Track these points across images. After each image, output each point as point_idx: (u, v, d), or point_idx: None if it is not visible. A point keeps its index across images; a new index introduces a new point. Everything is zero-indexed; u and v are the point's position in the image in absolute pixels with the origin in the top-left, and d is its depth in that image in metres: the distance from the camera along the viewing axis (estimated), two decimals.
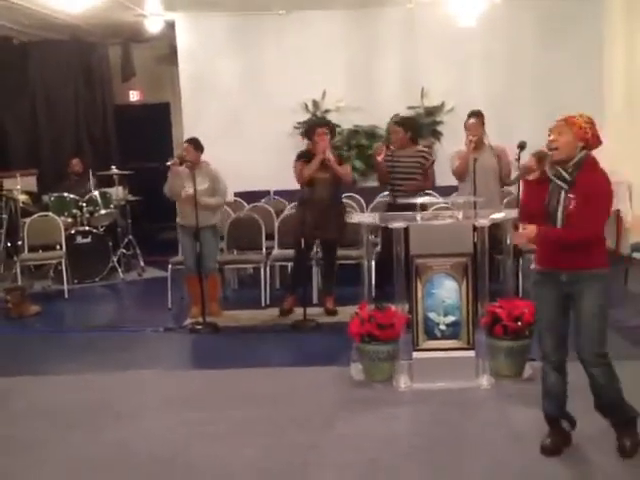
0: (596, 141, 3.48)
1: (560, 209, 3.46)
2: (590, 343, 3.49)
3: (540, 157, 3.49)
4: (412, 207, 5.17)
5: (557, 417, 3.71)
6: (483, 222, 4.75)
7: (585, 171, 3.43)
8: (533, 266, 3.74)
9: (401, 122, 6.86)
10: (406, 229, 4.69)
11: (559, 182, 3.47)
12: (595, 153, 3.57)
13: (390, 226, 4.77)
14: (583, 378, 3.59)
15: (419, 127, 7.55)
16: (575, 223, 3.41)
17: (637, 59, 8.44)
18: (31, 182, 9.67)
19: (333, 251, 6.63)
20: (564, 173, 3.45)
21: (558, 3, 9.15)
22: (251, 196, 8.74)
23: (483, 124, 6.47)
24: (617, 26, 9.01)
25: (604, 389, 3.53)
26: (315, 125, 6.62)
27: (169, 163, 6.46)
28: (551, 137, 3.47)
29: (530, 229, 3.52)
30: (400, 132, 6.67)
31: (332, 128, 6.67)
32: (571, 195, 3.43)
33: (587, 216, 3.38)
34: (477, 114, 6.48)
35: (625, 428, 3.62)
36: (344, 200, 7.86)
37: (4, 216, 8.63)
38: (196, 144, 6.47)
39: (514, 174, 3.63)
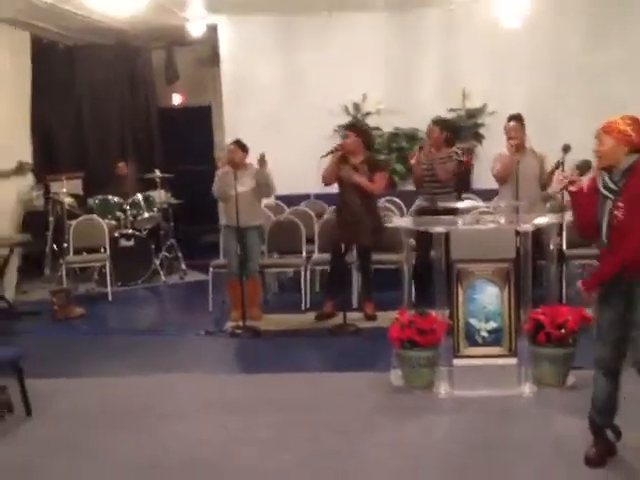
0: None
1: (605, 220, 3.37)
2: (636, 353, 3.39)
3: (581, 169, 3.43)
4: (445, 211, 5.14)
5: (602, 426, 3.63)
6: (526, 227, 4.68)
7: (634, 177, 3.31)
8: None
9: (438, 122, 6.84)
10: (447, 234, 4.65)
11: (604, 192, 3.38)
12: None
13: (431, 231, 4.74)
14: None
15: (456, 129, 7.51)
16: (626, 232, 3.30)
17: None
18: (77, 185, 9.84)
19: (368, 256, 6.57)
20: (609, 182, 3.37)
21: (604, 5, 8.96)
22: (291, 199, 8.76)
23: (523, 127, 6.39)
24: None
25: None
26: (344, 127, 6.50)
27: (220, 165, 6.64)
28: (595, 147, 3.41)
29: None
30: (436, 131, 6.70)
31: (363, 132, 6.54)
32: (620, 204, 3.32)
33: (636, 224, 3.27)
34: (517, 117, 6.41)
35: None
36: (383, 204, 7.91)
37: (51, 219, 8.80)
38: (242, 145, 6.61)
39: (555, 185, 3.58)
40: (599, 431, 3.64)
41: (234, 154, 6.54)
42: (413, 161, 6.72)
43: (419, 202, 6.94)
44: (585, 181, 3.46)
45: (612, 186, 3.36)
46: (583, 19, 9.13)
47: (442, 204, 6.39)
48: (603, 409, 3.60)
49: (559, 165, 5.24)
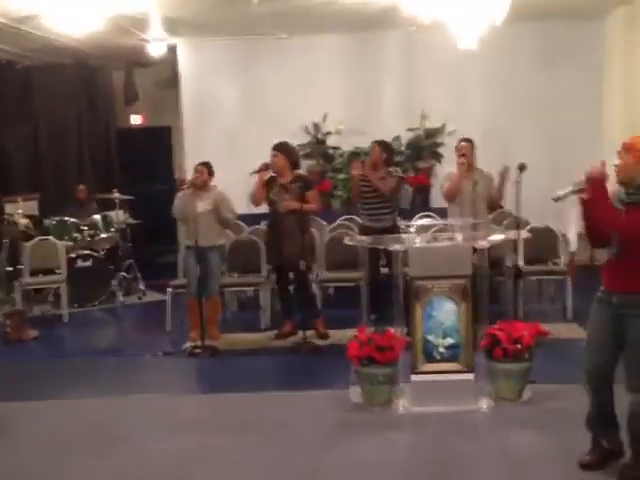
0: None
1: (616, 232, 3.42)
2: (632, 370, 3.43)
3: (591, 181, 3.44)
4: (388, 230, 5.18)
5: (595, 435, 3.67)
6: (483, 244, 4.74)
7: None
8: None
9: (380, 142, 6.94)
10: (404, 251, 4.68)
11: (618, 204, 3.45)
12: None
13: (390, 249, 4.77)
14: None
15: (395, 153, 7.65)
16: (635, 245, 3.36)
17: (636, 83, 8.47)
18: (33, 206, 9.69)
19: (303, 275, 6.51)
20: (622, 195, 3.43)
21: (558, 28, 9.21)
22: (252, 219, 8.72)
23: (474, 148, 6.54)
24: (616, 51, 9.07)
25: (632, 417, 3.45)
26: (272, 148, 6.46)
27: (185, 187, 6.60)
28: (616, 162, 3.46)
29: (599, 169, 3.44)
30: (377, 151, 6.78)
31: (287, 151, 6.46)
32: (630, 216, 3.38)
33: None
34: (468, 140, 6.62)
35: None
36: (341, 222, 7.96)
37: (5, 240, 8.62)
38: (210, 169, 6.65)
39: (565, 191, 3.52)
40: (594, 439, 3.68)
41: (201, 174, 6.56)
42: (355, 173, 6.82)
43: (363, 221, 7.00)
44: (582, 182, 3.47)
45: (625, 198, 3.42)
46: (535, 44, 9.38)
47: (386, 223, 6.49)
48: (592, 417, 3.64)
49: (523, 168, 5.32)
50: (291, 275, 6.58)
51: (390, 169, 6.86)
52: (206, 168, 6.63)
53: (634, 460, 3.53)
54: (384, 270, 6.59)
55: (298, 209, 6.19)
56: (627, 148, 3.41)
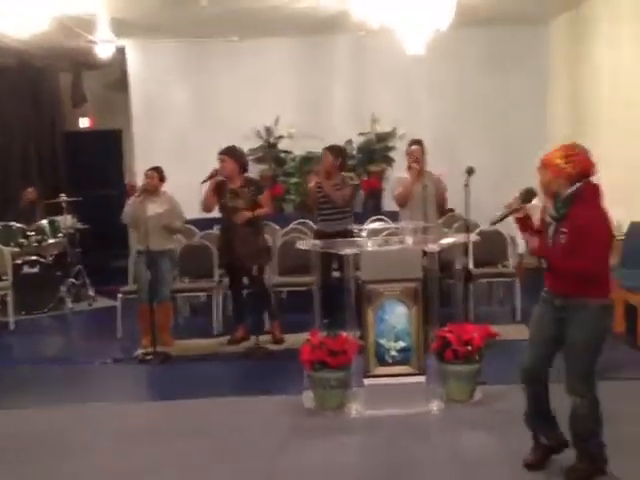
0: (584, 170, 3.43)
1: (551, 244, 3.49)
2: (574, 373, 3.49)
3: (523, 198, 3.52)
4: (341, 234, 5.20)
5: (535, 433, 3.72)
6: (432, 247, 4.79)
7: (576, 205, 3.41)
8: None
9: (331, 148, 6.92)
10: (356, 255, 4.70)
11: (548, 218, 3.51)
12: None
13: (341, 253, 4.79)
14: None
15: (348, 157, 7.67)
16: (568, 258, 3.41)
17: (579, 88, 8.68)
18: None
19: (259, 278, 6.52)
20: (551, 209, 3.49)
21: (504, 33, 9.38)
22: (203, 223, 8.65)
23: (424, 151, 6.57)
24: (560, 56, 9.29)
25: (579, 418, 3.52)
26: (218, 153, 6.41)
27: (137, 195, 6.48)
28: (539, 178, 3.52)
29: (534, 240, 3.53)
30: (330, 158, 6.74)
31: (236, 155, 6.41)
32: (563, 229, 3.43)
33: (577, 250, 3.37)
34: (419, 142, 6.60)
35: (585, 462, 3.57)
36: (294, 226, 7.97)
37: None
38: (161, 174, 6.58)
39: (499, 214, 3.61)
40: (534, 437, 3.73)
41: (151, 179, 6.49)
42: (312, 184, 6.79)
43: (319, 226, 7.00)
44: (528, 207, 3.55)
45: (554, 213, 3.48)
46: (481, 49, 9.55)
47: (341, 227, 6.50)
48: (532, 416, 3.69)
49: (471, 172, 5.42)
50: (245, 279, 6.56)
51: (346, 175, 6.86)
52: (157, 173, 6.57)
53: (579, 460, 3.60)
54: (337, 274, 6.60)
55: (256, 217, 6.21)
56: (545, 165, 3.47)
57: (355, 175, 7.28)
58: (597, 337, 3.48)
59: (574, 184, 3.42)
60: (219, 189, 6.30)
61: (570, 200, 3.42)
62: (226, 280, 7.04)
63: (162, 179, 6.59)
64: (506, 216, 3.55)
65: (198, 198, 7.89)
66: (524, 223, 3.56)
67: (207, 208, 6.42)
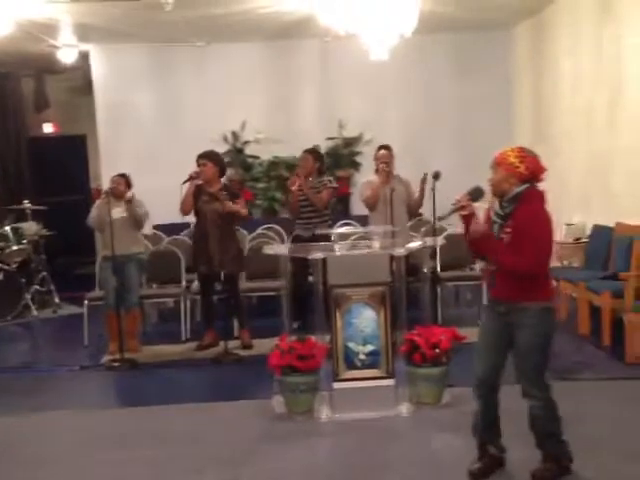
0: (535, 172, 3.49)
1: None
2: (525, 376, 3.53)
3: (472, 195, 3.55)
4: (320, 238, 5.23)
5: (483, 441, 3.74)
6: (400, 251, 4.82)
7: (521, 204, 3.46)
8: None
9: (311, 151, 6.96)
10: (324, 259, 4.72)
11: (494, 217, 3.56)
12: None
13: (308, 257, 4.79)
14: (518, 403, 3.61)
15: (325, 159, 7.71)
16: (509, 254, 3.45)
17: (542, 91, 8.83)
18: None
19: (233, 284, 6.51)
20: (497, 208, 3.54)
21: (469, 38, 9.51)
22: (170, 229, 8.61)
23: (392, 156, 6.64)
24: (524, 60, 9.44)
25: (539, 420, 3.56)
26: (197, 157, 6.41)
27: (103, 197, 6.44)
28: (489, 176, 3.55)
29: (479, 225, 3.53)
30: (309, 160, 6.79)
31: (216, 160, 6.45)
32: (507, 229, 3.48)
33: (519, 248, 3.41)
34: (387, 147, 6.69)
35: (551, 462, 3.62)
36: (262, 231, 7.97)
37: None
38: (127, 180, 6.56)
39: (445, 212, 3.64)
40: (482, 446, 3.74)
41: (118, 185, 6.45)
42: (295, 187, 6.78)
43: (297, 231, 7.00)
44: (476, 206, 3.56)
45: (500, 212, 3.53)
46: (447, 54, 9.68)
47: (318, 231, 6.51)
48: (483, 425, 3.71)
49: (437, 176, 5.50)
50: (217, 285, 6.53)
51: (324, 179, 6.89)
52: (124, 179, 6.54)
53: (543, 460, 3.64)
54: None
55: (235, 212, 6.19)
56: (498, 163, 3.51)
57: (333, 179, 7.31)
58: (542, 339, 3.51)
59: (523, 185, 3.48)
60: (196, 193, 6.26)
61: (516, 199, 3.47)
62: (194, 285, 7.01)
63: (129, 185, 6.56)
64: (453, 212, 3.57)
65: (165, 202, 7.88)
66: (469, 220, 3.57)
67: (186, 211, 6.37)
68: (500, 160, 3.51)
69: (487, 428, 3.71)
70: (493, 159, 3.55)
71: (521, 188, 3.47)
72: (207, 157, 6.36)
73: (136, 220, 6.47)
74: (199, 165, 6.31)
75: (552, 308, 3.58)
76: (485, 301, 3.78)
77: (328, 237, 6.26)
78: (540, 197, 3.53)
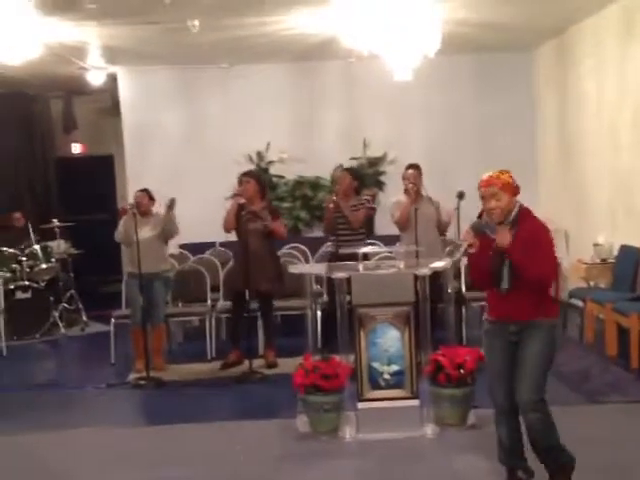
0: (518, 189, 3.58)
1: (506, 267, 3.52)
2: (526, 389, 3.52)
3: (476, 230, 3.56)
4: (354, 257, 5.24)
5: (511, 467, 3.72)
6: (424, 271, 4.83)
7: (522, 222, 3.52)
8: (485, 316, 3.80)
9: (350, 170, 7.01)
10: (349, 279, 4.73)
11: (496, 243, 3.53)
12: (531, 202, 3.73)
13: (332, 276, 4.82)
14: None
15: (363, 178, 7.76)
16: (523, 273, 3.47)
17: (568, 111, 8.81)
18: None
19: (268, 303, 6.57)
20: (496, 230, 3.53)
21: (492, 60, 9.53)
22: (196, 248, 8.70)
23: (421, 175, 6.62)
24: (548, 82, 9.43)
25: (539, 434, 3.55)
26: (241, 175, 6.62)
27: (126, 207, 6.61)
28: (488, 206, 3.53)
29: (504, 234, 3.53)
30: (347, 179, 6.84)
31: (259, 179, 6.63)
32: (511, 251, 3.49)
33: (533, 260, 3.44)
34: (415, 166, 6.65)
35: (559, 473, 3.62)
36: (287, 250, 8.00)
37: None
38: (150, 194, 6.67)
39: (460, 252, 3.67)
40: (510, 471, 3.72)
41: (141, 200, 6.55)
42: (331, 205, 6.79)
43: (328, 248, 7.03)
44: (469, 237, 3.58)
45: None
46: (470, 75, 9.70)
47: (346, 250, 6.51)
48: (509, 450, 3.69)
49: (461, 196, 5.52)
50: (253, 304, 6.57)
51: (362, 199, 6.93)
52: (146, 194, 6.64)
53: (552, 475, 3.61)
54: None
55: (277, 231, 6.34)
56: (503, 187, 3.50)
57: (371, 197, 7.35)
58: (548, 353, 3.57)
59: (515, 206, 3.55)
60: (238, 211, 6.33)
61: (517, 219, 3.53)
62: (220, 304, 7.07)
63: (152, 199, 6.65)
64: (465, 253, 3.62)
65: (191, 222, 7.97)
66: (476, 255, 3.61)
67: (228, 229, 6.49)
68: (504, 184, 3.52)
69: (513, 453, 3.69)
70: (487, 186, 3.52)
71: (517, 208, 3.55)
72: (250, 175, 6.55)
73: (169, 230, 6.55)
74: (242, 183, 6.41)
75: (558, 325, 3.69)
76: (487, 326, 3.73)
77: (365, 256, 6.24)
78: (529, 210, 3.62)
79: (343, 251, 6.49)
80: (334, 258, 6.70)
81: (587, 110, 8.21)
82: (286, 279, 6.46)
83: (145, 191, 6.69)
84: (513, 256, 3.47)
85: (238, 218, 6.32)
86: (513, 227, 3.52)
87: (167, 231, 6.57)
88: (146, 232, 6.43)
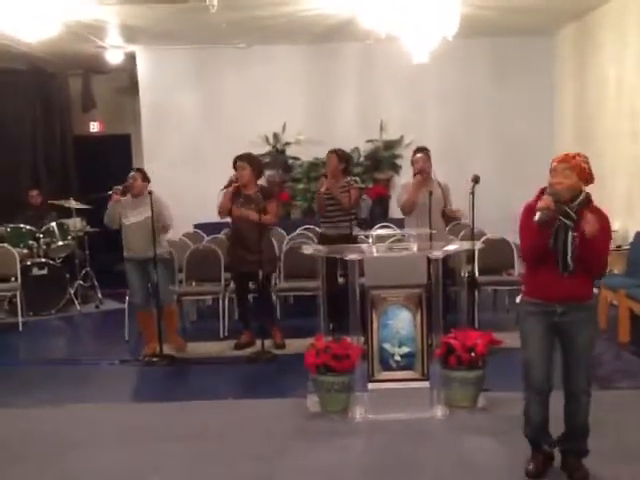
0: (592, 177, 3.58)
1: (570, 249, 3.52)
2: (583, 376, 3.59)
3: (557, 199, 3.52)
4: (344, 238, 5.23)
5: (537, 441, 3.77)
6: (437, 254, 4.82)
7: (589, 207, 3.54)
8: (523, 296, 3.77)
9: (336, 151, 6.96)
10: (360, 261, 4.74)
11: (567, 221, 3.52)
12: None
13: (346, 258, 4.82)
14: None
15: (352, 161, 7.72)
16: (583, 258, 3.51)
17: (585, 96, 8.72)
18: None
19: (267, 283, 6.58)
20: (571, 212, 3.52)
21: (511, 43, 9.45)
22: (211, 228, 8.74)
23: (430, 159, 6.59)
24: (566, 64, 9.34)
25: (586, 417, 3.62)
26: (235, 158, 6.48)
27: (111, 192, 6.36)
28: (555, 180, 3.52)
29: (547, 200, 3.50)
30: (334, 160, 6.81)
31: (254, 162, 6.51)
32: (576, 234, 3.50)
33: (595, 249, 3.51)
34: (424, 149, 6.62)
35: (581, 456, 3.70)
36: (301, 232, 8.02)
37: None
38: (144, 175, 6.47)
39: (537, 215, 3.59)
40: (536, 446, 3.77)
41: (134, 181, 6.33)
42: (323, 189, 6.83)
43: (322, 229, 7.05)
44: (550, 203, 3.52)
45: (573, 215, 3.52)
46: (489, 58, 9.63)
47: (340, 232, 6.53)
48: (538, 427, 3.72)
49: (477, 180, 5.47)
50: (251, 284, 6.62)
51: (350, 180, 6.92)
52: (140, 174, 6.43)
53: (579, 459, 3.68)
54: (341, 280, 6.63)
55: (252, 219, 6.24)
56: (573, 167, 3.50)
57: (359, 179, 7.33)
58: (596, 335, 3.72)
59: (583, 191, 3.55)
60: (234, 195, 6.35)
61: (584, 203, 3.53)
62: (233, 284, 7.10)
63: (145, 180, 6.42)
64: (545, 217, 3.50)
65: (206, 202, 7.98)
66: (549, 224, 3.56)
67: (224, 213, 6.47)
68: (574, 165, 3.51)
69: (541, 429, 3.74)
70: (561, 162, 3.52)
71: (585, 193, 3.56)
72: (245, 159, 6.42)
73: (160, 225, 6.29)
74: (237, 167, 6.39)
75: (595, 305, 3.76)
76: (527, 307, 3.70)
77: (355, 238, 6.27)
78: (593, 200, 3.62)
79: (335, 232, 6.57)
80: (324, 239, 6.72)
81: (607, 95, 8.14)
82: (297, 260, 6.47)
83: (139, 171, 6.52)
84: (594, 243, 3.47)
85: (233, 202, 6.33)
86: (576, 209, 3.52)
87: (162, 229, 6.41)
88: (135, 217, 6.26)
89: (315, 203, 7.27)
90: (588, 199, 3.57)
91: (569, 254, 3.53)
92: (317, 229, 8.38)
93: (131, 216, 6.30)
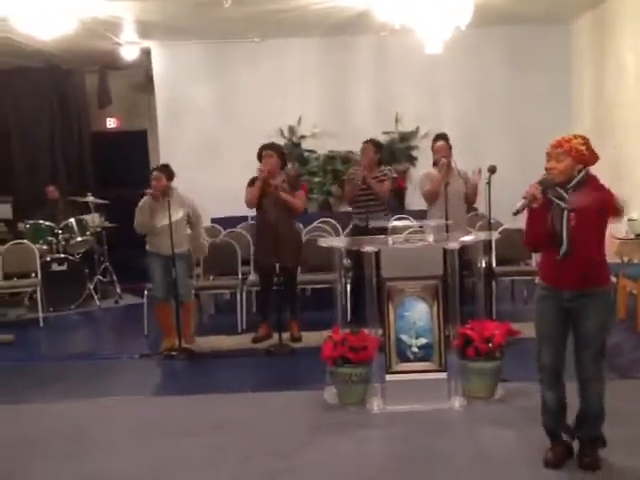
0: (594, 158, 3.56)
1: (565, 230, 3.52)
2: (593, 358, 3.58)
3: (545, 186, 3.54)
4: (378, 230, 5.23)
5: (556, 431, 3.76)
6: (453, 245, 4.82)
7: (587, 188, 3.52)
8: (538, 281, 3.80)
9: (373, 142, 6.93)
10: (377, 252, 4.74)
11: (561, 203, 3.53)
12: None
13: (361, 250, 4.83)
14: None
15: (385, 152, 7.69)
16: (581, 240, 3.50)
17: (603, 85, 8.64)
18: (6, 209, 9.64)
19: (291, 276, 6.57)
20: (564, 194, 3.52)
21: (527, 32, 9.38)
22: (228, 221, 8.78)
23: (450, 147, 6.55)
24: (584, 52, 9.25)
25: (596, 403, 3.61)
26: (262, 147, 6.46)
27: (145, 198, 6.29)
28: (548, 164, 3.54)
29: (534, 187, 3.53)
30: (371, 151, 6.77)
31: (280, 152, 6.50)
32: (572, 214, 3.51)
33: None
34: (444, 137, 6.55)
35: (596, 444, 3.68)
36: (318, 224, 8.03)
37: None
38: (168, 172, 6.35)
39: (520, 204, 3.60)
40: (554, 435, 3.77)
41: (158, 182, 6.23)
42: (359, 178, 6.73)
43: (354, 222, 7.02)
44: (537, 191, 3.54)
45: (566, 196, 3.52)
46: (504, 48, 9.55)
47: (376, 224, 6.49)
48: (554, 413, 3.72)
49: (493, 170, 5.43)
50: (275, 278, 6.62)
51: (384, 169, 6.90)
52: (164, 173, 6.30)
53: (593, 447, 3.67)
54: None
55: (287, 201, 6.21)
56: (567, 151, 3.50)
57: (392, 169, 7.29)
58: (605, 321, 3.62)
59: (580, 172, 3.53)
60: (262, 186, 6.30)
61: (581, 184, 3.51)
62: (250, 278, 7.12)
63: (170, 178, 6.31)
64: (527, 205, 3.55)
65: (222, 196, 8.01)
66: (536, 212, 3.60)
67: (252, 205, 6.41)
68: (568, 148, 3.51)
69: (558, 417, 3.73)
70: (555, 147, 3.53)
71: (582, 174, 3.53)
72: (271, 148, 6.41)
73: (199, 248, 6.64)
74: (264, 156, 6.36)
75: (611, 291, 3.70)
76: (540, 291, 3.72)
77: (385, 229, 6.23)
78: (598, 179, 3.59)
79: (363, 224, 6.51)
80: (356, 230, 6.70)
81: (625, 84, 8.05)
82: (314, 253, 6.47)
83: (163, 169, 6.35)
84: (586, 217, 3.47)
85: (262, 193, 6.31)
86: (574, 191, 3.51)
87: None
88: (166, 219, 6.14)
89: (347, 188, 7.10)
90: (588, 178, 3.54)
91: (564, 239, 3.53)
92: (333, 222, 8.41)
93: (160, 220, 6.24)
